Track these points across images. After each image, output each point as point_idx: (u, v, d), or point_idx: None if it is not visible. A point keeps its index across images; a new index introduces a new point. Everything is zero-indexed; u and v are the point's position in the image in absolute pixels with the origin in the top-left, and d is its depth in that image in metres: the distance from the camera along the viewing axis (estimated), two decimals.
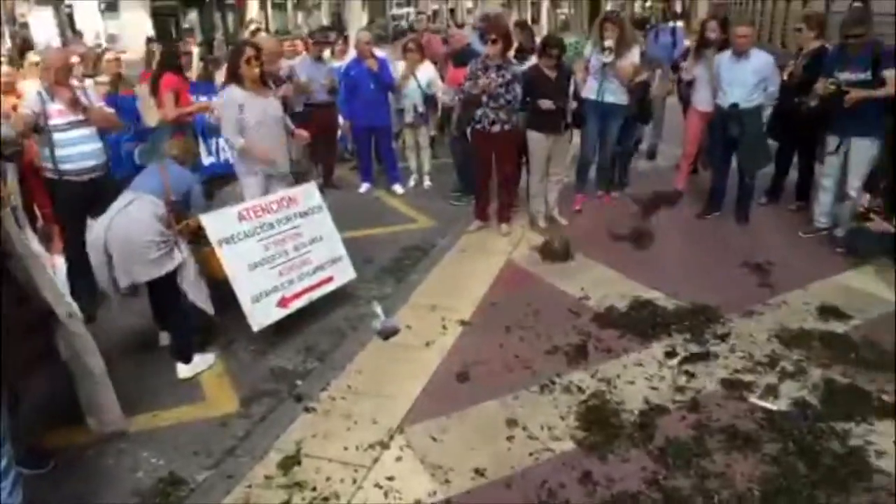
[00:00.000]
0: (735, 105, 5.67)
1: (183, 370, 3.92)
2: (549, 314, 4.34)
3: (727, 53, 5.88)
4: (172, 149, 4.11)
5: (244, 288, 4.09)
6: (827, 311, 4.23)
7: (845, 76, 5.14)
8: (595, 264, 5.16)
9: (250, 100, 4.60)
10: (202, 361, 4.01)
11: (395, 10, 42.08)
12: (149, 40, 13.83)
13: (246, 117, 4.59)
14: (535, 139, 5.75)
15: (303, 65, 7.17)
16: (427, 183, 7.58)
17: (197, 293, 3.95)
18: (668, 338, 3.97)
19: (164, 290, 3.86)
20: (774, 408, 3.28)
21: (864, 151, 5.15)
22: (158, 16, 29.22)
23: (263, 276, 4.22)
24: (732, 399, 3.38)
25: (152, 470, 3.14)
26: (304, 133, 5.08)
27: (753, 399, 3.35)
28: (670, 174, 6.97)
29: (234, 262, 4.09)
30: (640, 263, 5.11)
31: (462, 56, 6.72)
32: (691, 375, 3.60)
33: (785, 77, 5.82)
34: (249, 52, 4.59)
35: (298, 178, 5.18)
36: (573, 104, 5.71)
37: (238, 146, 4.67)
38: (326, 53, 8.35)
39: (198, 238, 4.07)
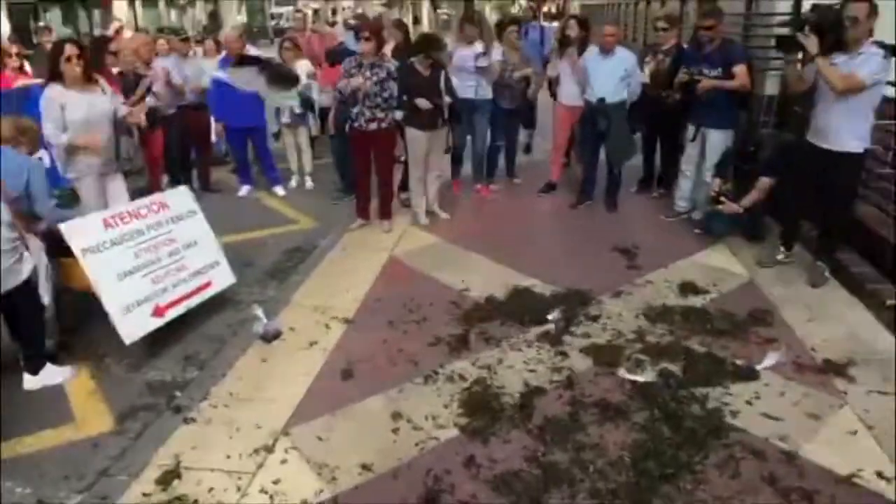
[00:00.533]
0: (602, 100, 5.99)
1: (30, 381, 3.72)
2: (432, 307, 4.41)
3: (594, 51, 6.19)
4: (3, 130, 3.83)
5: (113, 299, 3.89)
6: (686, 288, 4.56)
7: (698, 71, 5.54)
8: (476, 256, 5.29)
9: (73, 97, 4.38)
10: (58, 374, 3.80)
11: (275, 9, 41.01)
12: None
13: (69, 116, 4.38)
14: (413, 136, 5.82)
15: (173, 64, 6.90)
16: (309, 183, 7.50)
17: (44, 293, 3.79)
18: (545, 323, 4.13)
19: (21, 300, 3.60)
20: (641, 379, 3.50)
21: (718, 140, 5.56)
22: (16, 11, 27.12)
23: (135, 285, 4.03)
24: (604, 375, 3.58)
25: (18, 500, 2.95)
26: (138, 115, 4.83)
27: (622, 373, 3.56)
28: (546, 167, 7.23)
29: (100, 272, 3.88)
30: (518, 253, 5.27)
31: (336, 55, 6.70)
32: (565, 356, 3.77)
33: (646, 72, 6.21)
34: (70, 49, 4.37)
35: (128, 175, 5.07)
36: (447, 100, 5.82)
37: (60, 142, 4.42)
38: (199, 52, 8.09)
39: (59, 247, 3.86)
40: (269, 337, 4.09)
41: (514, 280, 4.75)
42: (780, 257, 4.98)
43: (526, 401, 3.35)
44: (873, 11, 4.13)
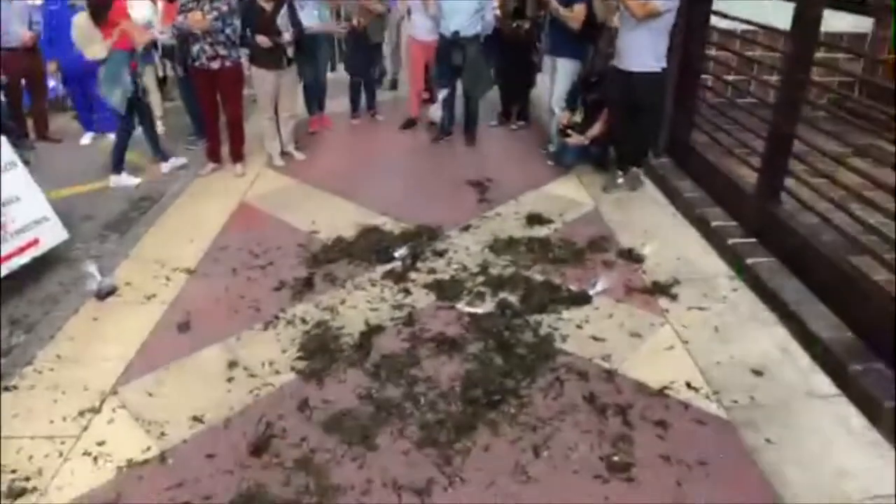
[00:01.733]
0: (457, 33, 5.93)
1: None
2: (279, 251, 4.32)
3: None
4: None
5: None
6: (533, 219, 4.69)
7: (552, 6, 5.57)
8: (329, 197, 5.20)
9: None
10: None
11: None
12: None
13: None
14: (259, 76, 5.59)
15: None
16: (160, 128, 7.06)
17: None
18: (392, 261, 4.13)
19: None
20: (479, 311, 3.59)
21: (566, 71, 5.67)
22: None
23: None
24: (444, 309, 3.64)
25: None
26: None
27: (461, 306, 3.63)
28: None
29: None
30: (372, 192, 5.23)
31: None
32: (408, 293, 3.81)
33: (496, 4, 6.21)
34: None
35: None
36: (287, 37, 5.50)
37: None
38: None
39: None
40: (103, 294, 3.88)
41: (365, 219, 4.72)
42: (619, 181, 5.26)
43: (364, 340, 3.37)
44: None
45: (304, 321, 3.56)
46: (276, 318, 3.60)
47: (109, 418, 2.93)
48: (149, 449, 2.75)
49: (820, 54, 4.65)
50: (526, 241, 4.36)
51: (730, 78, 5.44)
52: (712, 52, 5.11)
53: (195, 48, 5.30)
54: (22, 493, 2.55)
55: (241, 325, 3.56)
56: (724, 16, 4.79)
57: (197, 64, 5.34)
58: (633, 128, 5.17)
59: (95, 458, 2.71)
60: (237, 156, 5.75)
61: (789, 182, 4.00)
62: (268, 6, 5.38)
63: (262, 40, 5.27)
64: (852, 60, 6.45)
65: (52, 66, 6.77)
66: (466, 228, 4.57)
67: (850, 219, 3.46)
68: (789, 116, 3.87)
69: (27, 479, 2.62)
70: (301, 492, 2.50)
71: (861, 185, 3.43)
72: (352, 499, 2.47)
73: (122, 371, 3.22)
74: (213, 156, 5.78)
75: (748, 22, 4.54)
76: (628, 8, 4.58)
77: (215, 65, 5.32)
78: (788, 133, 3.89)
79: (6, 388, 3.15)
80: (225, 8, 5.25)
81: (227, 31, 5.28)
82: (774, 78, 4.69)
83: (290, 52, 5.56)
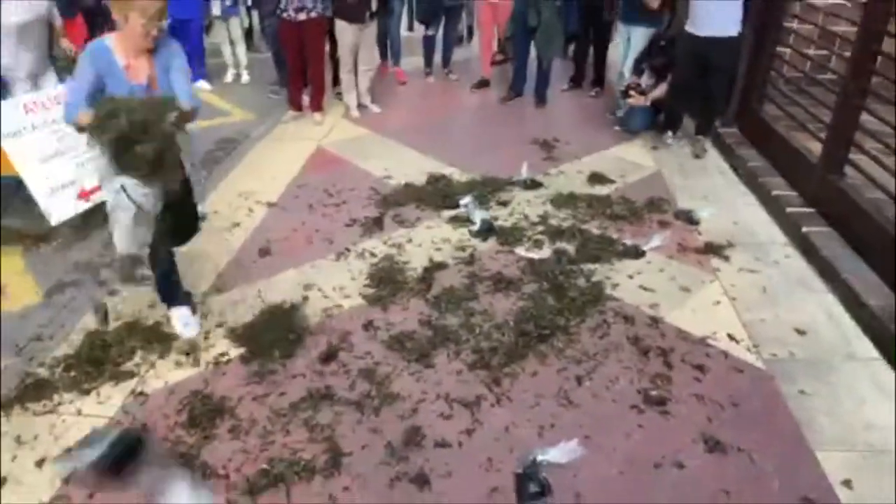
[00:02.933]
0: None
1: None
2: (353, 193, 4.63)
3: None
4: None
5: (38, 182, 4.02)
6: (595, 178, 4.84)
7: None
8: (401, 147, 5.47)
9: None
10: None
11: None
12: None
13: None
14: (342, 28, 5.85)
15: None
16: (245, 77, 7.47)
17: None
18: (457, 208, 4.37)
19: None
20: (536, 257, 3.81)
21: (640, 38, 5.75)
22: None
23: (58, 169, 4.14)
24: (503, 253, 3.87)
25: None
26: None
27: (520, 251, 3.86)
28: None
29: (22, 157, 3.98)
30: (441, 145, 5.47)
31: None
32: (479, 234, 4.05)
33: None
34: None
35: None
36: None
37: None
38: None
39: None
40: None
41: (435, 168, 4.97)
42: (669, 141, 5.48)
43: (427, 274, 3.64)
44: None
45: (372, 255, 3.86)
46: (348, 250, 3.91)
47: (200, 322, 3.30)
48: (233, 349, 3.11)
49: None
50: (586, 197, 4.53)
51: (810, 52, 5.39)
52: (793, 24, 5.08)
53: (282, 1, 5.60)
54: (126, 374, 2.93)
55: (315, 254, 3.88)
56: None
57: (284, 15, 5.64)
58: (701, 95, 5.25)
59: (187, 353, 3.08)
60: (317, 105, 6.07)
61: (855, 156, 4.03)
62: None
63: None
64: None
65: None
66: (525, 184, 4.76)
67: None
68: (858, 88, 3.89)
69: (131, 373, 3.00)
70: (364, 395, 2.79)
71: None
72: (408, 405, 2.76)
73: (210, 284, 3.59)
74: (295, 104, 6.12)
75: None
76: None
77: (301, 16, 5.61)
78: (857, 105, 3.92)
79: (109, 293, 3.55)
80: None
81: None
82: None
83: (373, 6, 5.81)
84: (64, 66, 4.77)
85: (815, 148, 4.40)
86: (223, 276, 3.67)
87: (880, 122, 3.82)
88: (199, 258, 3.83)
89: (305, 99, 6.13)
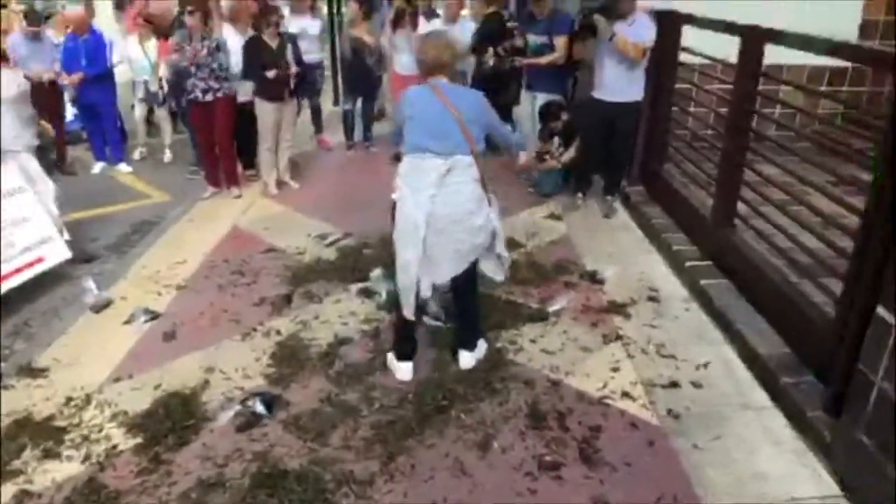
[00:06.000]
0: None
1: None
2: (264, 271, 4.63)
3: (437, 21, 6.54)
4: None
5: None
6: (508, 243, 4.91)
7: (532, 38, 5.95)
8: (315, 221, 5.52)
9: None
10: None
11: None
12: None
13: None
14: (263, 108, 5.97)
15: (16, 41, 6.71)
16: (168, 156, 7.50)
17: None
18: (367, 281, 4.40)
19: None
20: (441, 325, 3.84)
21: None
22: None
23: None
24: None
25: None
26: None
27: (426, 319, 3.89)
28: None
29: None
30: (355, 218, 5.49)
31: (166, 29, 6.83)
32: (380, 308, 4.08)
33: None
34: None
35: None
36: (293, 69, 5.98)
37: None
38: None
39: None
40: (99, 307, 4.21)
41: (347, 242, 5.03)
42: (580, 202, 5.71)
43: (331, 350, 3.64)
44: None
45: (279, 333, 3.85)
46: (255, 329, 3.89)
47: (93, 414, 3.21)
48: (127, 439, 3.03)
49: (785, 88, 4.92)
50: None
51: (692, 109, 5.66)
52: (682, 85, 5.38)
53: (189, 82, 5.72)
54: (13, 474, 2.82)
55: (221, 335, 3.85)
56: (692, 52, 5.07)
57: (192, 97, 5.76)
58: (609, 157, 5.50)
59: (78, 447, 2.99)
60: (233, 180, 6.15)
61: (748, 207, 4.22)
62: (273, 42, 5.82)
63: (272, 73, 5.68)
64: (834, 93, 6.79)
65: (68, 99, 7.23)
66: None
67: (793, 244, 3.67)
68: (737, 146, 4.12)
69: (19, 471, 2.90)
70: (256, 481, 2.74)
71: (807, 211, 3.66)
72: (301, 489, 2.71)
73: (109, 373, 3.52)
74: (213, 181, 6.17)
75: (709, 57, 4.82)
76: (627, 52, 4.95)
77: (209, 97, 5.74)
78: (738, 163, 4.14)
79: (4, 388, 3.46)
80: (214, 45, 5.68)
81: (215, 65, 5.71)
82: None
83: (293, 84, 5.98)
84: None
85: (710, 201, 4.61)
86: (123, 364, 3.60)
87: (760, 177, 4.04)
88: (99, 346, 3.76)
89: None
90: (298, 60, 6.04)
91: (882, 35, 7.17)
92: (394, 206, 3.31)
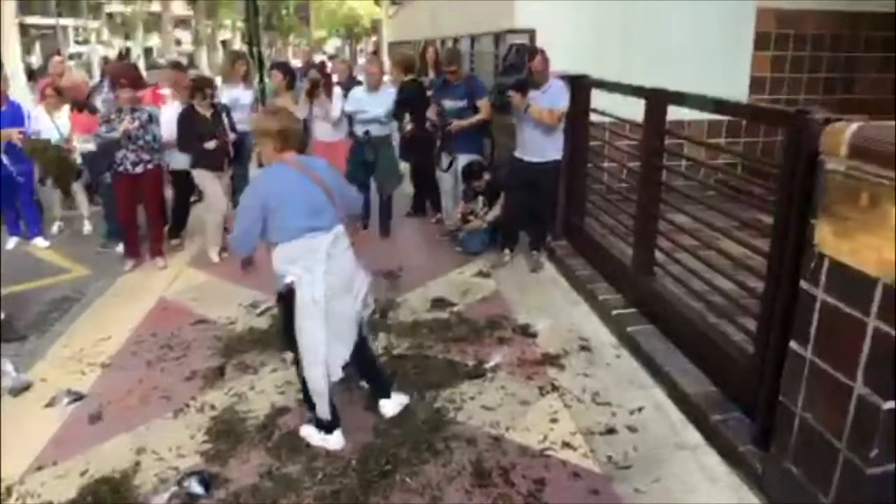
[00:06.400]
0: (368, 133, 6.44)
1: None
2: (195, 343, 4.52)
3: (360, 89, 6.70)
4: None
5: None
6: (438, 303, 5.03)
7: (448, 104, 6.18)
8: (246, 290, 5.43)
9: None
10: None
11: (74, 48, 37.94)
12: None
13: None
14: (204, 177, 6.00)
15: None
16: (87, 228, 7.29)
17: None
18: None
19: None
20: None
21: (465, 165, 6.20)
22: None
23: None
24: (347, 391, 3.85)
25: None
26: None
27: (363, 384, 3.87)
28: None
29: None
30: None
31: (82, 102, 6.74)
32: None
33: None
34: None
35: None
36: (231, 137, 6.08)
37: None
38: None
39: None
40: (17, 391, 4.00)
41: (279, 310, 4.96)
42: (507, 259, 5.85)
43: (269, 421, 3.57)
44: (546, 60, 5.29)
45: (213, 407, 3.74)
46: (187, 405, 3.77)
47: None
48: None
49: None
50: (429, 323, 4.68)
51: (606, 165, 5.94)
52: (595, 143, 5.69)
53: (119, 154, 5.63)
54: None
55: (151, 414, 3.71)
56: (602, 113, 5.38)
57: (121, 169, 5.66)
58: (532, 213, 5.69)
59: None
60: (158, 250, 6.03)
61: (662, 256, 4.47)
62: (207, 113, 5.87)
63: (211, 144, 5.68)
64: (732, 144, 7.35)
65: None
66: (371, 315, 4.84)
67: (709, 286, 3.90)
68: (651, 198, 4.37)
69: None
70: None
71: (717, 254, 3.90)
72: None
73: (31, 462, 3.33)
74: (134, 253, 6.03)
75: (617, 117, 5.14)
76: (544, 120, 5.25)
77: (139, 169, 5.66)
78: (652, 214, 4.38)
79: None
80: (145, 117, 5.64)
81: (148, 137, 5.66)
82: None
83: (231, 153, 6.07)
84: None
85: (630, 251, 4.83)
86: (46, 451, 3.42)
87: (673, 225, 4.29)
88: (18, 433, 3.56)
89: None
90: (233, 129, 6.13)
91: (770, 90, 7.84)
92: (281, 296, 3.23)
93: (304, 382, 3.35)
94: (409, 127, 6.47)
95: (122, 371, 4.21)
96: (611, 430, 3.48)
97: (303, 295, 3.11)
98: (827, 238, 2.50)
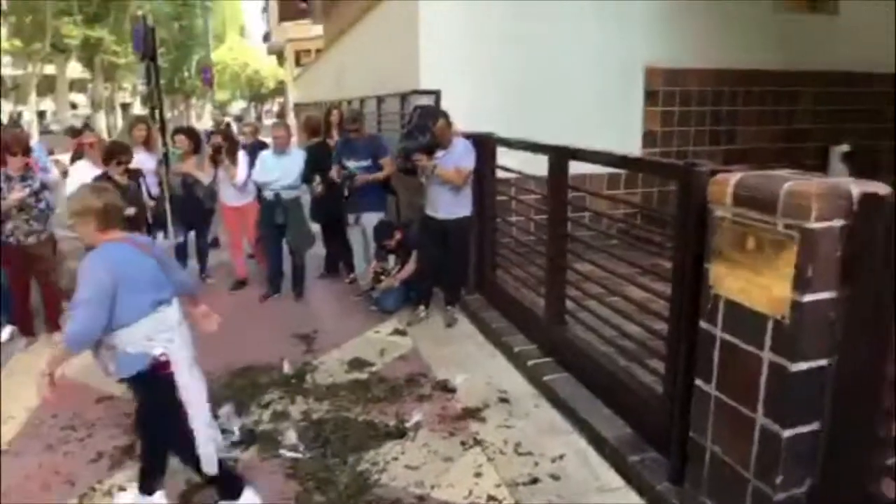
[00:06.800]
0: (277, 195, 6.42)
1: None
2: (100, 421, 4.28)
3: (268, 152, 6.72)
4: None
5: None
6: (355, 363, 4.99)
7: (352, 164, 6.25)
8: None
9: None
10: None
11: None
12: None
13: None
14: None
15: None
16: None
17: None
18: (217, 419, 4.20)
19: None
20: (300, 456, 3.75)
21: (372, 223, 6.27)
22: None
23: None
24: (267, 459, 3.77)
25: None
26: None
27: (283, 452, 3.78)
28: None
29: None
30: (198, 350, 5.28)
31: None
32: (233, 446, 3.90)
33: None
34: None
35: None
36: (152, 203, 5.99)
37: None
38: None
39: None
40: None
41: None
42: (422, 315, 5.90)
43: (182, 501, 3.41)
44: (449, 121, 5.51)
45: (122, 489, 3.54)
46: (93, 489, 3.55)
47: None
48: None
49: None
50: (347, 384, 4.63)
51: (514, 219, 6.11)
52: (502, 198, 5.88)
53: (9, 225, 5.37)
54: None
55: (53, 500, 3.47)
56: (508, 169, 5.59)
57: (11, 240, 5.39)
58: (446, 269, 5.79)
59: None
60: (56, 324, 5.71)
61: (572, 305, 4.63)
62: (122, 180, 5.74)
63: (131, 211, 5.50)
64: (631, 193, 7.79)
65: None
66: (290, 380, 4.75)
67: (617, 332, 4.06)
68: (558, 249, 4.55)
69: None
70: None
71: (624, 300, 4.08)
72: None
73: None
74: (27, 330, 5.71)
75: (522, 173, 5.36)
76: (452, 181, 5.42)
77: (31, 239, 5.42)
78: (561, 265, 4.56)
79: None
80: (37, 186, 5.44)
81: (41, 205, 5.45)
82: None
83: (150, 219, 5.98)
84: None
85: (542, 302, 4.98)
86: None
87: (580, 274, 4.47)
88: None
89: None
90: (150, 196, 6.01)
91: (661, 142, 8.39)
92: (139, 376, 3.06)
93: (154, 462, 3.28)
94: (319, 188, 6.49)
95: (18, 457, 3.92)
96: (534, 480, 3.52)
97: (177, 356, 3.07)
98: (720, 280, 2.69)
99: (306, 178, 6.58)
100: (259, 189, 6.75)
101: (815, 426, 2.51)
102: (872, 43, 8.85)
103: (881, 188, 2.33)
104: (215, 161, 6.66)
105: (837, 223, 2.33)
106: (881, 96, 9.33)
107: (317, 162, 6.61)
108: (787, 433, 2.49)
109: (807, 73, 8.93)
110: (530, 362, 4.69)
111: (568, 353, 4.49)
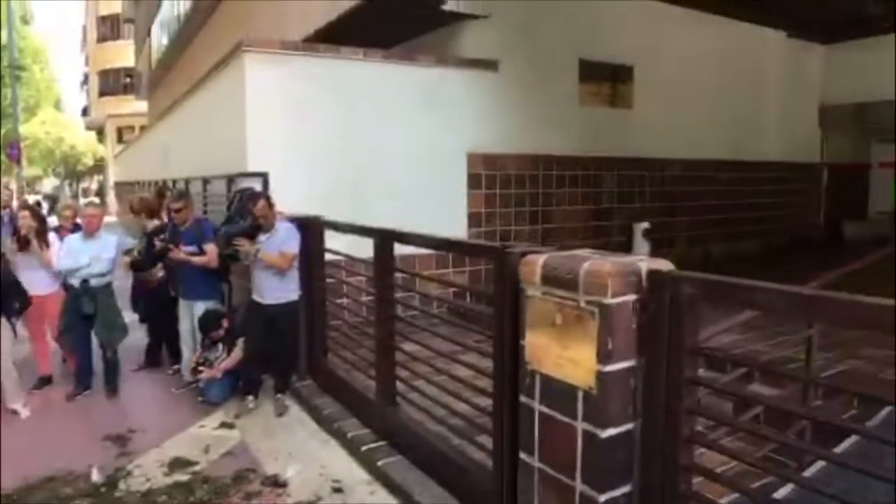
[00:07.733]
0: (86, 282, 5.93)
1: None
2: None
3: (77, 235, 6.23)
4: None
5: None
6: (176, 464, 4.60)
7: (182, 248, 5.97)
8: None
9: None
10: None
11: None
12: None
13: None
14: None
15: None
16: None
17: None
18: None
19: None
20: None
21: (202, 311, 5.96)
22: None
23: None
24: None
25: None
26: None
27: None
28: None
29: None
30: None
31: None
32: None
33: (128, 259, 6.49)
34: None
35: None
36: None
37: None
38: None
39: None
40: None
41: None
42: (251, 405, 5.63)
43: None
44: (271, 204, 5.52)
45: None
46: None
47: None
48: None
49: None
50: (166, 489, 4.25)
51: (343, 301, 6.07)
52: (331, 280, 5.84)
53: None
54: None
55: None
56: (335, 252, 5.60)
57: None
58: (275, 356, 5.59)
59: None
60: None
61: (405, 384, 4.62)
62: (14, 258, 5.49)
63: None
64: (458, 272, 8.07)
65: None
66: (98, 490, 4.29)
67: (447, 410, 4.11)
68: (387, 330, 4.58)
69: None
70: None
71: (451, 378, 4.15)
72: None
73: None
74: None
75: (349, 256, 5.40)
76: (276, 264, 5.36)
77: None
78: (389, 346, 4.58)
79: None
80: None
81: None
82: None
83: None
84: None
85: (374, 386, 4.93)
86: None
87: (408, 355, 4.51)
88: None
89: None
90: None
91: (485, 223, 8.85)
92: None
93: None
94: (160, 274, 6.15)
95: None
96: None
97: None
98: (534, 355, 2.83)
99: (143, 266, 6.37)
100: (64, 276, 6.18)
101: (627, 488, 2.66)
102: (662, 133, 10.19)
103: (664, 265, 2.60)
104: (22, 246, 6.04)
105: (630, 297, 2.56)
106: (671, 179, 10.67)
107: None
108: (602, 498, 2.61)
109: (609, 159, 9.99)
110: (364, 447, 4.58)
111: (401, 435, 4.45)
